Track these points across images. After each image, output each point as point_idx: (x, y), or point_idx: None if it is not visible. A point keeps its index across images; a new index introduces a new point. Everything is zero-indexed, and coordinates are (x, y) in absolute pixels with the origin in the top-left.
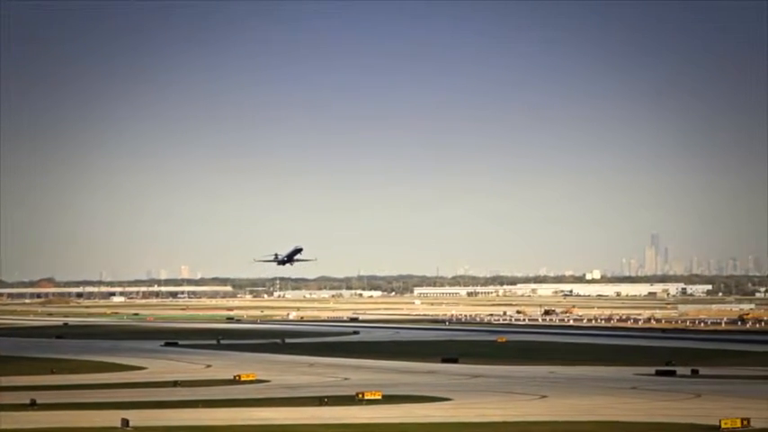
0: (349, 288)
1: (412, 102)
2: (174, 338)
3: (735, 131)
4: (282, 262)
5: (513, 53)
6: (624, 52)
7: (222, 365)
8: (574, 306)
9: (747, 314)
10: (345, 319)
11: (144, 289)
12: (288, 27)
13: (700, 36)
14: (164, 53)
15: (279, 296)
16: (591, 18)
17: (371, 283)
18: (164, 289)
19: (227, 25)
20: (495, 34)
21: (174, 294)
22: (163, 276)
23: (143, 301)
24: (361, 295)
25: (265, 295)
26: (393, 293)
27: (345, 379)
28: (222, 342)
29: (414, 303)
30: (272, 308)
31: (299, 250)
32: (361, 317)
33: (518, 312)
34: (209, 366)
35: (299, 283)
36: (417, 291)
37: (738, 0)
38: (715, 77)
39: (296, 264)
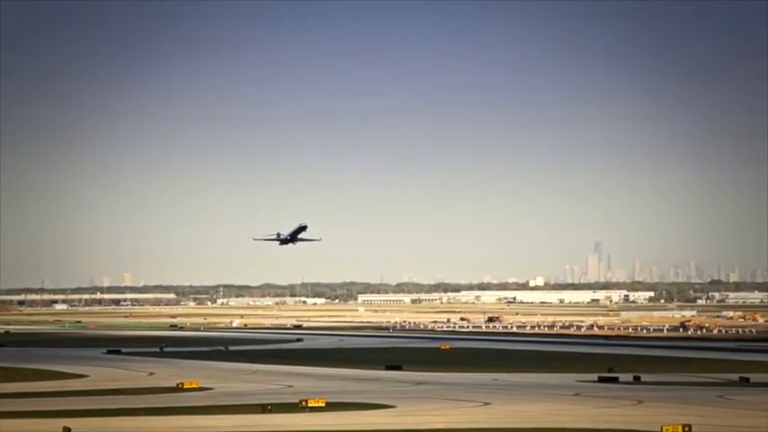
0: (293, 295)
1: (357, 106)
2: (116, 346)
3: (676, 138)
4: (285, 241)
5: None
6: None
7: (165, 373)
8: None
9: (689, 321)
10: (289, 326)
11: (87, 296)
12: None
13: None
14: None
15: (222, 303)
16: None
17: (315, 290)
18: (106, 296)
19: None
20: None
21: (116, 302)
22: (106, 284)
23: (86, 308)
24: (304, 302)
25: (209, 303)
26: (337, 301)
27: (289, 386)
28: (165, 350)
29: (358, 311)
30: (216, 315)
31: (303, 228)
32: (304, 324)
33: (462, 319)
34: (152, 374)
35: (242, 291)
36: (361, 298)
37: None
38: (660, 83)
39: (299, 243)
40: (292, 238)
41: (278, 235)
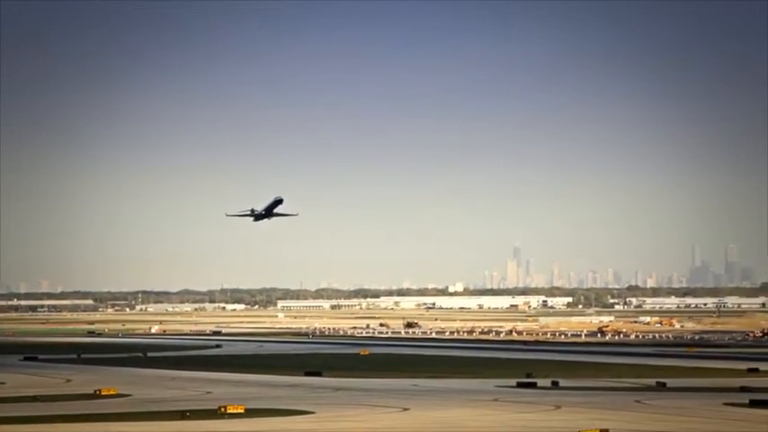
0: (212, 301)
1: (271, 116)
2: (33, 353)
3: (593, 143)
4: (260, 216)
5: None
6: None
7: (83, 380)
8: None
9: (606, 326)
10: (208, 332)
11: (3, 303)
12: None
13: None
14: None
15: (141, 310)
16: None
17: (234, 296)
18: (23, 303)
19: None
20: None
21: (33, 308)
22: (22, 290)
23: (2, 315)
24: (224, 308)
25: (127, 309)
26: (256, 307)
27: (208, 393)
28: (83, 356)
29: (277, 316)
30: (134, 321)
31: (278, 201)
32: (224, 330)
33: (381, 325)
34: (69, 381)
35: (161, 297)
36: (281, 304)
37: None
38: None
39: (274, 219)
40: (267, 212)
41: (252, 210)
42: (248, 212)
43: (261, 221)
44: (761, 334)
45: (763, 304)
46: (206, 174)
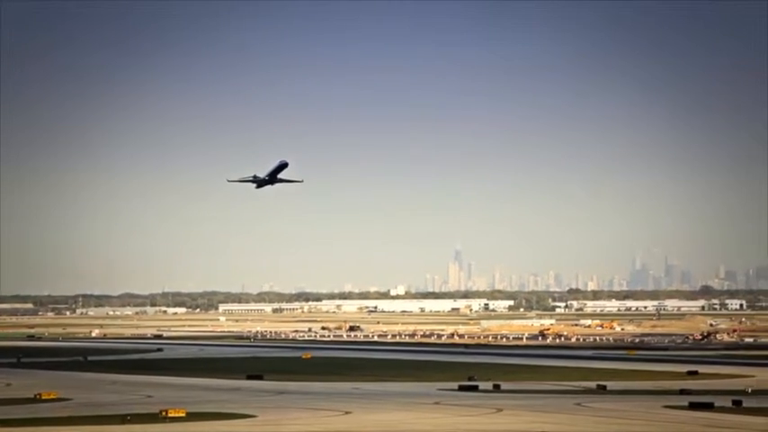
0: (153, 305)
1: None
2: None
3: (535, 147)
4: (263, 182)
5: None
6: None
7: (22, 384)
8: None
9: (548, 329)
10: (149, 336)
11: None
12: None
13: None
14: None
15: (81, 313)
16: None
17: (176, 299)
18: None
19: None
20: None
21: None
22: None
23: None
24: (165, 312)
25: (68, 312)
26: (198, 310)
27: (149, 396)
28: (23, 360)
29: (219, 320)
30: (75, 325)
31: (283, 166)
32: (165, 334)
33: (323, 329)
34: (8, 385)
35: (102, 301)
36: (222, 307)
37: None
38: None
39: (278, 185)
40: (271, 178)
41: (254, 177)
42: (250, 178)
43: (264, 188)
44: (700, 337)
45: (703, 307)
46: (146, 175)
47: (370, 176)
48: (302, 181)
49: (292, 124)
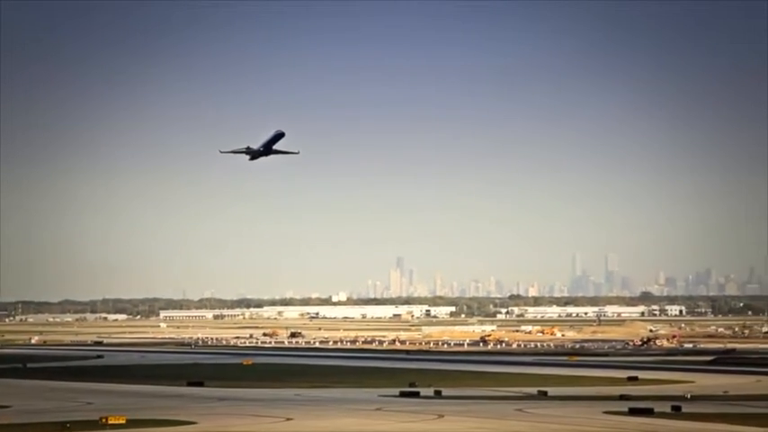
0: (93, 311)
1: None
2: None
3: (470, 156)
4: (257, 154)
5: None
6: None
7: None
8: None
9: (489, 335)
10: (90, 342)
11: None
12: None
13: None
14: None
15: (21, 320)
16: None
17: (117, 306)
18: None
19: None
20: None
21: None
22: None
23: None
24: (105, 319)
25: (6, 319)
26: (138, 317)
27: (89, 403)
28: None
29: (159, 327)
30: (14, 332)
31: (279, 136)
32: (105, 340)
33: (264, 335)
34: None
35: (41, 307)
36: (163, 314)
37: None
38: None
39: (273, 157)
40: (266, 149)
41: (248, 148)
42: (243, 150)
43: (258, 159)
44: (640, 343)
45: (643, 313)
46: (87, 181)
47: (311, 184)
48: (298, 152)
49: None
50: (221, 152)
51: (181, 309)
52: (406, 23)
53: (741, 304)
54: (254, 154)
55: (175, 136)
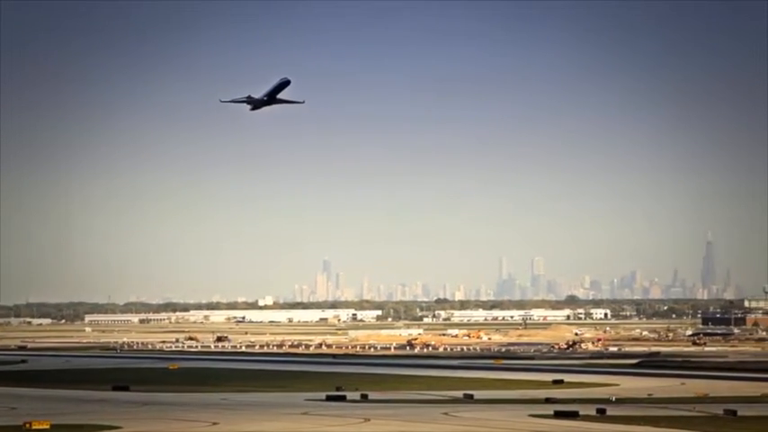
0: (17, 316)
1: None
2: None
3: (395, 160)
4: (260, 103)
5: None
6: None
7: None
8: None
9: (415, 339)
10: (13, 347)
11: None
12: None
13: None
14: None
15: None
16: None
17: (41, 310)
18: None
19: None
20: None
21: None
22: None
23: None
24: (30, 323)
25: None
26: (63, 321)
27: (12, 408)
28: None
29: (85, 331)
30: None
31: (285, 84)
32: (29, 345)
33: (190, 339)
34: None
35: None
36: (88, 318)
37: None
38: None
39: (277, 107)
40: (269, 98)
41: (249, 97)
42: (244, 99)
43: (260, 109)
44: (565, 346)
45: (568, 317)
46: (14, 184)
47: (237, 186)
48: (303, 102)
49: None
50: (221, 101)
51: (106, 313)
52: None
53: (665, 307)
54: (255, 103)
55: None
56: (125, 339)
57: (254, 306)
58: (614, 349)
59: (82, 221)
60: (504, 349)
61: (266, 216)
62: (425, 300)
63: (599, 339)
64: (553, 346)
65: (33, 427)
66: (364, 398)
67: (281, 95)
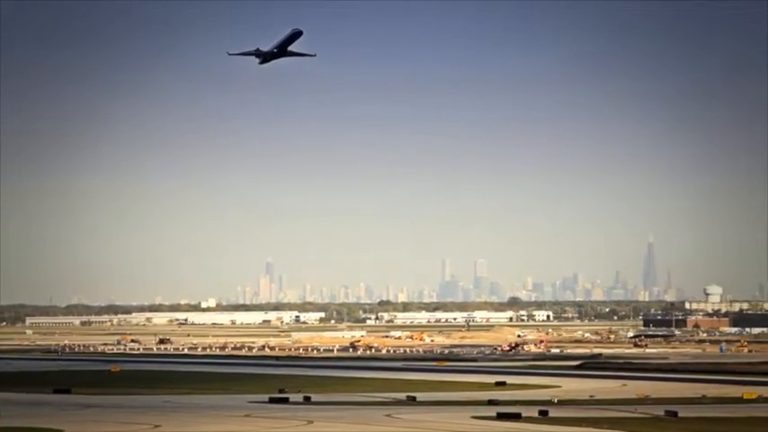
0: None
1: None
2: None
3: (350, 162)
4: (270, 56)
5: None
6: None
7: None
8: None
9: (358, 341)
10: None
11: None
12: None
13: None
14: None
15: None
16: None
17: None
18: None
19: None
20: None
21: None
22: None
23: None
24: None
25: None
26: (4, 323)
27: None
28: None
29: (26, 333)
30: None
31: (296, 35)
32: None
33: (133, 341)
34: None
35: None
36: (30, 320)
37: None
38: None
39: (288, 59)
40: (280, 50)
41: (257, 50)
42: (253, 51)
43: (270, 63)
44: (508, 348)
45: (511, 318)
46: None
47: (179, 186)
48: (315, 55)
49: None
50: (229, 54)
51: (48, 315)
52: None
53: (607, 309)
54: (264, 56)
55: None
56: (66, 342)
57: (196, 308)
58: (556, 351)
59: (20, 224)
60: (447, 351)
61: (209, 218)
62: (368, 302)
63: (541, 341)
64: (496, 348)
65: None
66: (307, 400)
67: (291, 48)
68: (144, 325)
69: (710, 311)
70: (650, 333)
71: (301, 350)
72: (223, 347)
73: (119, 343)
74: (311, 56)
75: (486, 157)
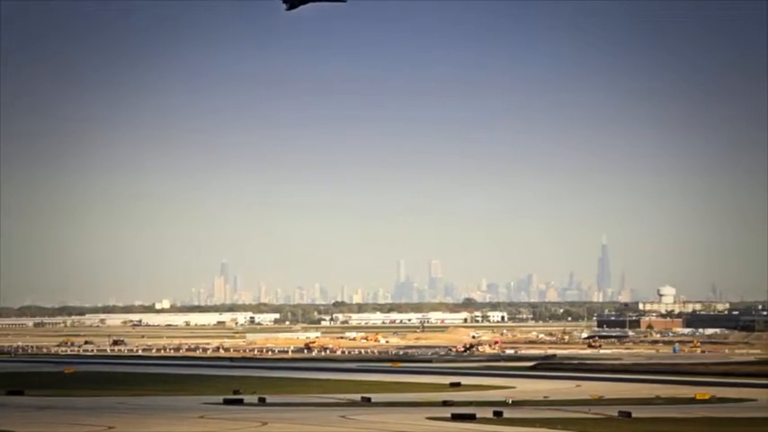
0: None
1: None
2: None
3: (292, 162)
4: (297, 2)
5: None
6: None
7: None
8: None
9: (313, 342)
10: None
11: None
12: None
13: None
14: None
15: None
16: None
17: None
18: None
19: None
20: None
21: None
22: None
23: None
24: None
25: None
26: None
27: None
28: None
29: None
30: None
31: None
32: None
33: (86, 343)
34: None
35: None
36: None
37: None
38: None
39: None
40: None
41: None
42: None
43: (297, 8)
44: (463, 349)
45: (465, 319)
46: None
47: (133, 187)
48: (345, 1)
49: None
50: None
51: (0, 317)
52: None
53: (561, 310)
54: (293, 2)
55: None
56: (19, 343)
57: (150, 309)
58: (511, 352)
59: None
60: (401, 352)
61: (163, 218)
62: (323, 303)
63: (496, 342)
64: (450, 349)
65: None
66: (262, 401)
67: None
68: (98, 326)
69: (664, 312)
70: (604, 334)
71: (256, 351)
72: (177, 349)
73: (66, 344)
74: (342, 1)
75: (440, 158)
